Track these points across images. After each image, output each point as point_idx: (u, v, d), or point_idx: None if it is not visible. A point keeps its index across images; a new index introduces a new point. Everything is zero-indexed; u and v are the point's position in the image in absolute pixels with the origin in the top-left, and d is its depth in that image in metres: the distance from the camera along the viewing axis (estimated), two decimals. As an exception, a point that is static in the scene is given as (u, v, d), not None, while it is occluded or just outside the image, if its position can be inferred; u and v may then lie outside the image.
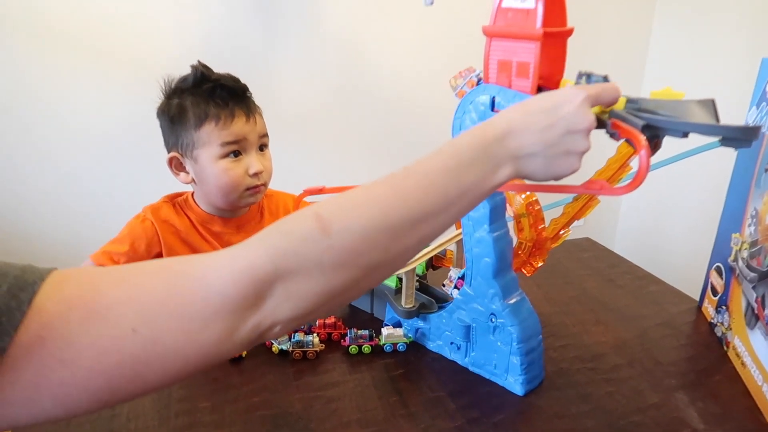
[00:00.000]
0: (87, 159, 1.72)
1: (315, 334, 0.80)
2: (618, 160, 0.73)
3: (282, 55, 1.86)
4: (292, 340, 0.79)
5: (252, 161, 0.95)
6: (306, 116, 1.97)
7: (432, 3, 0.56)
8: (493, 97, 0.64)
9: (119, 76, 1.67)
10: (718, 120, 0.59)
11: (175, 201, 1.02)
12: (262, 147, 0.99)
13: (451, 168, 0.48)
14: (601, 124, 0.55)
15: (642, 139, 0.51)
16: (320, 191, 0.81)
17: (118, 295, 0.37)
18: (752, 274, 0.78)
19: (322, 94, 1.96)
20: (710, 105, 0.59)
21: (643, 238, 2.31)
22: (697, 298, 0.98)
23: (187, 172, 0.97)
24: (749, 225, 0.81)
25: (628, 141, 0.54)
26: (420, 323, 0.84)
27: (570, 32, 0.62)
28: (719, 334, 0.87)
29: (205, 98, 0.92)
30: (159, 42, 1.68)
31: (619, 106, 0.57)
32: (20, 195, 1.68)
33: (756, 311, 0.75)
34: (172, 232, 0.98)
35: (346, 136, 2.06)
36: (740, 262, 0.82)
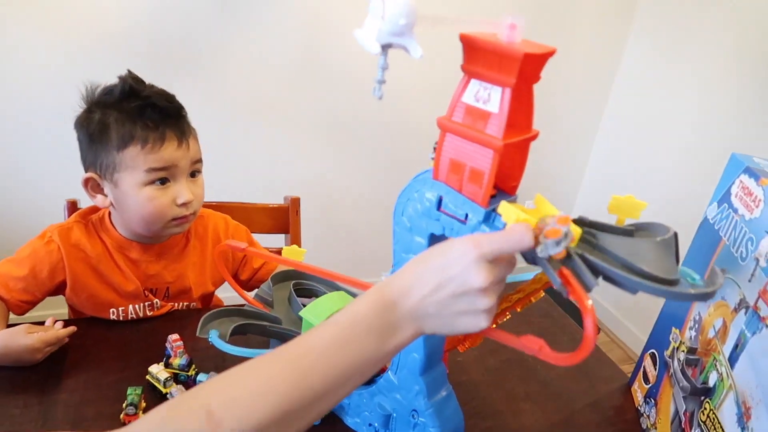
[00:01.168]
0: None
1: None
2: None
3: (239, 32, 1.72)
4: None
5: (181, 190, 0.85)
6: (263, 98, 1.86)
7: (381, 97, 0.48)
8: (440, 197, 0.57)
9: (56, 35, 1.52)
10: (677, 259, 0.54)
11: (89, 220, 0.91)
12: (195, 173, 0.88)
13: (350, 340, 0.45)
14: (532, 260, 0.49)
15: (589, 306, 0.45)
16: (242, 251, 0.73)
17: None
18: (685, 383, 0.75)
19: (280, 74, 1.84)
20: (671, 244, 0.54)
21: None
22: (630, 368, 0.95)
23: (105, 195, 0.86)
24: (691, 328, 0.78)
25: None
26: (340, 393, 0.78)
27: (534, 137, 0.55)
28: (644, 426, 0.85)
29: (132, 117, 0.80)
30: (106, 15, 1.53)
31: (574, 237, 0.51)
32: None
33: (683, 425, 0.73)
34: (81, 258, 0.88)
35: (306, 119, 1.95)
36: (676, 363, 0.79)
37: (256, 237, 1.23)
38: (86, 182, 0.86)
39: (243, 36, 1.73)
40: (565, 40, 2.17)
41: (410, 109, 1.96)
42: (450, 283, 0.47)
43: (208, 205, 1.19)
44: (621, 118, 2.33)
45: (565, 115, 2.34)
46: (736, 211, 0.72)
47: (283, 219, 1.32)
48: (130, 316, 0.93)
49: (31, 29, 1.51)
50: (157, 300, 0.94)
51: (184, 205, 0.85)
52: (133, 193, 0.83)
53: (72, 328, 0.81)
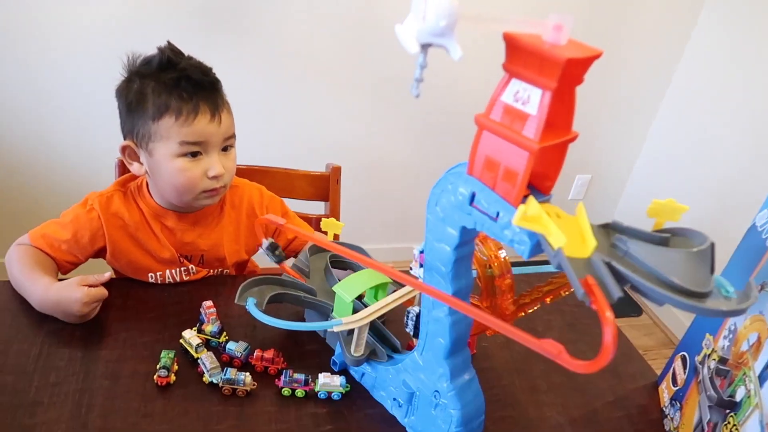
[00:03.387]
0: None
1: (247, 374, 0.76)
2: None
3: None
4: (223, 375, 0.75)
5: (212, 163, 0.87)
6: (308, 61, 1.85)
7: (418, 95, 0.48)
8: (474, 193, 0.56)
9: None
10: (712, 269, 0.53)
11: (128, 188, 0.95)
12: (227, 147, 0.90)
13: None
14: (558, 266, 0.48)
15: (610, 318, 0.44)
16: (280, 227, 0.75)
17: None
18: (712, 392, 0.74)
19: (326, 36, 1.82)
20: (707, 255, 0.52)
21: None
22: (670, 352, 0.94)
23: (141, 164, 0.89)
24: (725, 337, 0.76)
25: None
26: (368, 369, 0.80)
27: (573, 139, 0.54)
28: (667, 429, 0.84)
29: (168, 88, 0.83)
30: None
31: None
32: None
33: (706, 434, 0.72)
34: (120, 226, 0.92)
35: (351, 83, 1.94)
36: (705, 370, 0.78)
37: (296, 203, 1.25)
38: (123, 150, 0.90)
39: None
40: (625, 32, 2.10)
41: (457, 75, 1.92)
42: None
43: (250, 169, 1.21)
44: (677, 113, 2.25)
45: (620, 106, 2.27)
46: (785, 221, 0.69)
47: (324, 187, 1.33)
48: (167, 281, 0.97)
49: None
50: (192, 266, 0.98)
51: (215, 178, 0.88)
52: (166, 163, 0.86)
53: (110, 274, 0.84)
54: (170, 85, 0.83)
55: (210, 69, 0.88)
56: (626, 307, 0.49)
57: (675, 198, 0.58)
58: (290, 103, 1.92)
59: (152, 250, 0.94)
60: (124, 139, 0.89)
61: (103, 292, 0.82)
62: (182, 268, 0.97)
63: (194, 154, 0.86)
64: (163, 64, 0.84)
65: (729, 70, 2.01)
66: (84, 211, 0.91)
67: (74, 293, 0.80)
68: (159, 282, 0.96)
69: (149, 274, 0.95)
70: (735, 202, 1.93)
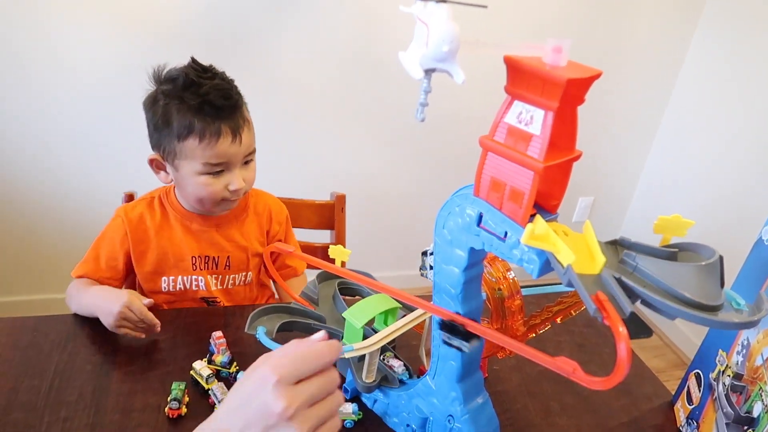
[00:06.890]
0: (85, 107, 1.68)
1: (261, 403, 0.75)
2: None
3: (290, 27, 1.75)
4: (236, 405, 0.74)
5: (233, 178, 0.93)
6: (312, 94, 1.88)
7: (423, 119, 0.48)
8: (481, 214, 0.57)
9: (119, 27, 1.61)
10: (722, 282, 0.53)
11: (154, 196, 1.02)
12: (248, 161, 0.96)
13: None
14: (568, 283, 0.48)
15: (624, 333, 0.44)
16: (289, 254, 0.76)
17: None
18: (729, 409, 0.73)
19: (330, 69, 1.85)
20: (715, 268, 0.53)
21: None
22: (682, 373, 0.93)
23: (167, 173, 0.96)
24: (738, 353, 0.75)
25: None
26: (380, 395, 0.79)
27: (577, 158, 0.54)
28: (685, 448, 0.83)
29: (192, 110, 0.87)
30: (163, 13, 1.60)
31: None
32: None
33: (726, 452, 0.71)
34: (143, 229, 1.00)
35: (354, 115, 1.97)
36: (720, 386, 0.77)
37: (302, 232, 1.27)
38: (151, 161, 0.96)
39: (294, 30, 1.76)
40: (621, 54, 2.13)
41: (459, 106, 1.95)
42: (255, 417, 0.47)
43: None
44: (676, 132, 2.27)
45: (620, 128, 2.30)
46: (792, 234, 0.69)
47: (329, 215, 1.34)
48: (178, 287, 1.02)
49: (89, 29, 1.58)
50: (201, 278, 1.03)
51: (235, 191, 0.94)
52: (191, 178, 0.92)
53: (158, 323, 0.87)
54: (194, 107, 0.87)
55: (231, 89, 0.91)
56: (637, 329, 0.49)
57: (679, 215, 0.58)
58: (295, 137, 1.94)
59: (170, 250, 1.01)
60: (152, 149, 0.95)
61: (145, 314, 0.85)
62: (193, 277, 1.02)
63: (217, 172, 0.92)
64: (187, 85, 0.88)
65: (726, 88, 2.04)
66: (112, 222, 1.00)
67: (115, 306, 0.84)
68: (171, 289, 1.02)
69: (163, 278, 1.01)
70: (739, 217, 1.94)
